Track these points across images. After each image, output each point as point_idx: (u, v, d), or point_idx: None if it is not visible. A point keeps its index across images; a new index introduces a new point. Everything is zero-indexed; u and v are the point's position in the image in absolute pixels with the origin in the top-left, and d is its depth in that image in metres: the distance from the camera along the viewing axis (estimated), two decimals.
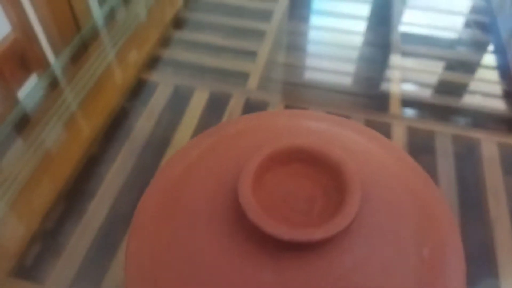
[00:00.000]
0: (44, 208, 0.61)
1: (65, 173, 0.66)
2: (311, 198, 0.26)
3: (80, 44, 0.88)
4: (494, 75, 0.89)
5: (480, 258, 0.61)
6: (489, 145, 0.73)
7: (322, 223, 0.24)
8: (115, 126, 0.74)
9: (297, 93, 0.84)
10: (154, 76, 0.83)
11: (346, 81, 0.88)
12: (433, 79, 0.87)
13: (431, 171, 0.69)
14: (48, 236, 0.59)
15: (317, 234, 0.23)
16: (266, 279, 0.24)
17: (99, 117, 0.74)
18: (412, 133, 0.74)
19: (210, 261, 0.26)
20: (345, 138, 0.33)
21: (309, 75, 0.90)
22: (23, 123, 0.73)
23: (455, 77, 0.88)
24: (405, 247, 0.26)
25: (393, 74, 0.86)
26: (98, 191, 0.64)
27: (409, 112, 0.78)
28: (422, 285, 0.25)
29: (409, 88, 0.85)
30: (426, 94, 0.84)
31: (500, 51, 0.94)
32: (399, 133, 0.74)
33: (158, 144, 0.71)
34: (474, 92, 0.85)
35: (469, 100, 0.84)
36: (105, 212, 0.61)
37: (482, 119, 0.81)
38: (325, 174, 0.27)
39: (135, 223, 0.30)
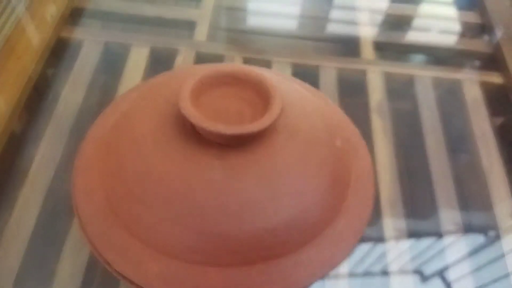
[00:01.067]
0: None
1: None
2: (240, 111, 0.30)
3: None
4: (465, 10, 0.83)
5: (476, 206, 0.56)
6: (471, 85, 0.66)
7: (253, 121, 0.28)
8: (36, 97, 0.59)
9: (255, 42, 0.72)
10: (78, 33, 0.67)
11: (309, 25, 0.77)
12: (404, 16, 0.78)
13: (414, 118, 0.62)
14: None
15: (250, 127, 0.27)
16: (213, 175, 0.28)
17: (14, 88, 0.58)
18: (390, 78, 0.66)
19: (161, 170, 0.29)
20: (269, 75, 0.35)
21: (267, 21, 0.77)
22: None
23: (427, 12, 0.80)
24: (321, 140, 0.32)
25: (360, 15, 0.76)
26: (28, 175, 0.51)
27: (384, 55, 0.69)
28: (340, 165, 0.33)
29: (380, 29, 0.75)
30: (399, 34, 0.75)
31: None
32: (375, 79, 0.65)
33: (92, 118, 0.57)
34: (446, 31, 0.78)
35: (446, 38, 0.77)
36: (40, 198, 0.49)
37: (462, 58, 0.74)
38: (248, 91, 0.31)
39: (77, 165, 0.33)
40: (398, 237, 0.51)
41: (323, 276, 0.30)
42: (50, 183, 0.50)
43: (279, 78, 0.38)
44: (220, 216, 0.28)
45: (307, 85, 0.42)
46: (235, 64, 0.32)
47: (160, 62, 0.65)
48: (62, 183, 0.50)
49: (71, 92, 0.59)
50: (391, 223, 0.51)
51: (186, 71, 0.40)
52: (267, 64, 0.65)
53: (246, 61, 0.65)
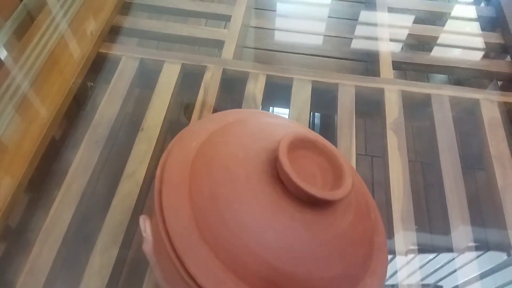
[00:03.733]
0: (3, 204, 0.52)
1: (21, 167, 0.56)
2: (313, 174, 0.35)
3: (24, 14, 0.75)
4: (488, 30, 0.84)
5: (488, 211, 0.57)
6: (489, 105, 0.68)
7: (333, 190, 0.34)
8: (76, 107, 0.65)
9: (278, 60, 0.75)
10: (116, 49, 0.73)
11: (331, 43, 0.80)
12: (425, 36, 0.80)
13: (430, 136, 0.64)
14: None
15: (334, 195, 0.33)
16: (293, 224, 0.33)
17: (56, 98, 0.64)
18: (407, 97, 0.68)
19: (251, 206, 0.33)
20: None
21: (290, 39, 0.81)
22: None
23: (449, 33, 0.81)
24: (364, 213, 0.39)
25: (380, 33, 0.79)
26: (65, 179, 0.56)
27: (402, 74, 0.72)
28: (374, 232, 0.40)
29: (399, 48, 0.78)
30: (418, 54, 0.77)
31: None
32: (392, 98, 0.68)
33: (126, 127, 0.62)
34: (469, 48, 0.79)
35: (465, 57, 0.78)
36: (72, 207, 0.53)
37: (482, 78, 0.75)
38: (322, 159, 0.36)
39: (165, 180, 0.36)
40: (408, 252, 0.53)
41: None
42: (85, 187, 0.55)
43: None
44: (293, 259, 0.33)
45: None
46: (316, 134, 0.39)
47: (190, 77, 0.70)
48: (95, 188, 0.55)
49: (108, 104, 0.64)
50: (402, 238, 0.53)
51: (262, 114, 0.45)
52: (289, 81, 0.68)
53: (269, 78, 0.68)
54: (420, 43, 0.80)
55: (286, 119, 0.48)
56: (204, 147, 0.38)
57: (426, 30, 0.82)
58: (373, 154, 0.65)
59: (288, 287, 0.32)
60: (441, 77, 0.79)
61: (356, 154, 0.60)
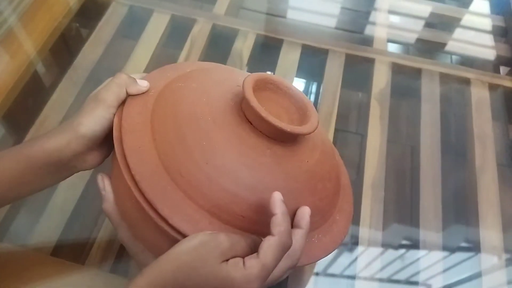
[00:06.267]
0: None
1: (1, 94, 0.56)
2: (278, 115, 0.35)
3: None
4: (487, 9, 0.81)
5: (461, 208, 0.56)
6: (480, 86, 0.66)
7: (303, 125, 0.35)
8: (58, 48, 0.64)
9: (272, 22, 0.74)
10: None
11: (326, 13, 0.78)
12: (424, 12, 0.78)
13: (415, 112, 0.63)
14: None
15: (303, 129, 0.34)
16: (264, 159, 0.34)
17: (42, 34, 0.63)
18: (397, 70, 0.66)
19: (221, 146, 0.33)
20: None
21: (285, 5, 0.79)
22: None
23: (447, 10, 0.79)
24: (329, 153, 0.40)
25: (380, 3, 0.77)
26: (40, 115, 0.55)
27: (395, 47, 0.70)
28: (339, 174, 0.40)
29: (397, 21, 0.76)
30: (415, 28, 0.75)
31: None
32: (382, 69, 0.66)
33: (105, 74, 0.61)
34: (466, 27, 0.77)
35: (461, 36, 0.76)
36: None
37: (474, 58, 0.73)
38: (286, 100, 0.37)
39: (124, 126, 0.34)
40: (371, 220, 0.52)
41: (328, 253, 0.36)
42: (58, 124, 0.55)
43: None
44: (266, 193, 0.32)
45: None
46: (279, 76, 0.38)
47: (177, 29, 0.68)
48: None
49: (91, 47, 0.63)
50: (369, 206, 0.53)
51: (219, 67, 0.45)
52: (279, 42, 0.67)
53: (258, 37, 0.67)
54: (422, 21, 0.78)
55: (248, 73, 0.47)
56: (164, 93, 0.37)
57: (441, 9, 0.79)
58: (353, 131, 0.64)
59: (261, 221, 0.32)
60: (434, 54, 0.77)
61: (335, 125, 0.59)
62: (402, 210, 0.56)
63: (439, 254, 0.51)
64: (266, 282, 0.30)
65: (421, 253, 0.51)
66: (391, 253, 0.51)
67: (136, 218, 0.33)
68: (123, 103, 0.36)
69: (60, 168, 0.35)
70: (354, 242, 0.51)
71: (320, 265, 0.50)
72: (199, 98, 0.36)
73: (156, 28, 0.67)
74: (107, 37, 0.65)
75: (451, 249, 0.52)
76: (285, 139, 0.35)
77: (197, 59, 0.63)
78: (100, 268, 0.44)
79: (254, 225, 0.33)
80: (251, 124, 0.34)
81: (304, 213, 0.33)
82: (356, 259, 0.50)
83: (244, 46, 0.66)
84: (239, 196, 0.32)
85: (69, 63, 0.61)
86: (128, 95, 0.36)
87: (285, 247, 0.30)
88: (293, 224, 0.33)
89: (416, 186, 0.56)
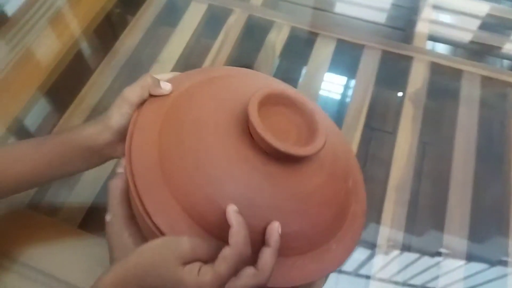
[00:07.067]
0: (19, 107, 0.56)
1: (46, 69, 0.60)
2: (287, 130, 0.35)
3: None
4: None
5: (493, 215, 0.54)
6: None
7: (302, 147, 0.34)
8: (100, 31, 0.67)
9: (306, 15, 0.73)
10: None
11: (366, 5, 0.76)
12: (471, 12, 0.74)
13: (451, 115, 0.60)
14: None
15: (300, 151, 0.33)
16: (256, 177, 0.34)
17: (88, 16, 0.66)
18: (436, 70, 0.64)
19: (215, 155, 0.34)
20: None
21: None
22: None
23: (497, 12, 0.74)
24: (339, 177, 0.39)
25: (424, 2, 0.74)
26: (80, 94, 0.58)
27: (436, 47, 0.67)
28: (349, 202, 0.39)
29: (440, 20, 0.72)
30: (459, 28, 0.71)
31: None
32: (420, 68, 0.64)
33: (143, 59, 0.63)
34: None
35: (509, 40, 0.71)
36: (81, 120, 0.57)
37: None
38: (298, 116, 0.36)
39: (138, 123, 0.37)
40: (392, 224, 0.51)
41: (310, 280, 0.35)
42: (95, 104, 0.58)
43: (318, 109, 0.44)
44: (252, 211, 0.33)
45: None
46: (292, 90, 0.38)
47: (214, 19, 0.69)
48: (104, 107, 0.58)
49: (130, 33, 0.66)
50: (391, 210, 0.51)
51: (246, 74, 0.45)
52: (314, 36, 0.66)
53: (293, 30, 0.67)
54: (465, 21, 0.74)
55: (279, 82, 0.46)
56: (181, 96, 0.39)
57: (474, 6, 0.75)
58: (383, 130, 0.62)
59: None
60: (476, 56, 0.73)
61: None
62: (427, 215, 0.54)
63: (461, 263, 0.49)
64: None
65: (444, 261, 0.49)
66: (409, 257, 0.50)
67: (134, 205, 0.35)
68: (145, 101, 0.39)
69: (94, 153, 0.40)
70: (372, 244, 0.50)
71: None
72: (208, 105, 0.37)
73: (193, 17, 0.68)
74: (147, 23, 0.67)
75: (475, 258, 0.50)
76: (282, 158, 0.34)
77: (230, 49, 0.64)
78: None
79: None
80: (252, 138, 0.34)
81: (273, 229, 0.32)
82: (372, 261, 0.49)
83: (277, 38, 0.65)
84: (221, 207, 0.32)
85: (109, 47, 0.64)
86: (150, 95, 0.39)
87: (241, 257, 0.30)
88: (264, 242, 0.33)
89: (444, 192, 0.54)
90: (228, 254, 0.30)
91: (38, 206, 0.49)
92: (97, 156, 0.40)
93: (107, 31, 0.69)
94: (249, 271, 0.31)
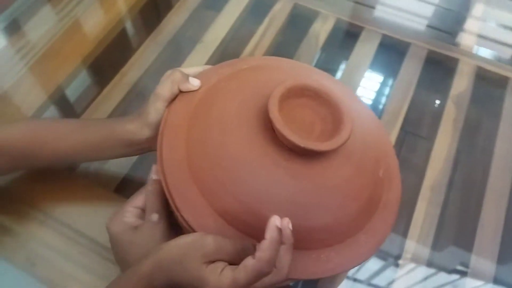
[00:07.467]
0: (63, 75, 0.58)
1: (92, 42, 0.62)
2: (312, 123, 0.35)
3: None
4: None
5: None
6: None
7: (323, 141, 0.33)
8: (147, 10, 0.68)
9: (356, 9, 0.72)
10: None
11: (417, 5, 0.74)
12: None
13: (494, 123, 0.58)
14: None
15: (321, 146, 0.33)
16: (279, 173, 0.34)
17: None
18: (481, 75, 0.62)
19: (238, 152, 0.35)
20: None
21: None
22: None
23: None
24: (368, 168, 0.38)
25: (475, 7, 0.72)
26: (122, 69, 0.60)
27: (483, 52, 0.65)
28: (379, 192, 0.38)
29: (489, 25, 0.70)
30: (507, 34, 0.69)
31: None
32: (465, 72, 0.62)
33: (186, 39, 0.64)
34: None
35: None
36: (123, 93, 0.58)
37: None
38: (324, 108, 0.36)
39: (168, 122, 0.38)
40: (423, 225, 0.50)
41: (336, 273, 0.36)
42: (137, 78, 0.59)
43: (347, 97, 0.42)
44: (272, 206, 0.34)
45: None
46: (319, 81, 0.37)
47: (259, 5, 0.69)
48: (146, 81, 0.59)
49: (176, 13, 0.67)
50: (423, 209, 0.51)
51: (276, 64, 0.44)
52: (359, 30, 0.65)
53: (338, 22, 0.66)
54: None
55: (311, 69, 0.46)
56: (208, 92, 0.39)
57: None
58: (422, 132, 0.61)
59: (264, 229, 0.32)
60: None
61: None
62: (456, 225, 0.52)
63: (484, 284, 0.48)
64: None
65: (467, 280, 0.48)
66: (430, 272, 0.48)
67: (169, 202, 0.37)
68: (176, 97, 0.40)
69: (134, 146, 0.42)
70: (395, 256, 0.49)
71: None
72: (232, 101, 0.37)
73: (238, 1, 0.68)
74: (193, 5, 0.68)
75: (500, 280, 0.48)
76: (304, 153, 0.34)
77: (273, 37, 0.64)
78: None
79: (257, 231, 0.33)
80: (274, 132, 0.34)
81: (284, 227, 0.32)
82: (388, 273, 0.48)
83: (322, 29, 0.65)
84: (243, 202, 0.34)
85: (154, 25, 0.65)
86: (180, 91, 0.40)
87: (261, 274, 0.31)
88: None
89: (478, 204, 0.52)
90: (250, 265, 0.30)
91: (77, 170, 0.51)
92: (137, 148, 0.43)
93: (152, 10, 0.70)
94: None
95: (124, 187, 0.50)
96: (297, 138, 0.32)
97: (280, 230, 0.31)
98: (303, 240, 0.34)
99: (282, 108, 0.34)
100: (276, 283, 0.32)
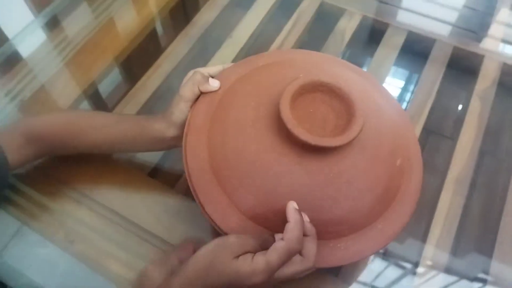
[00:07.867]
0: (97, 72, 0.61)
1: (125, 40, 0.65)
2: (325, 117, 0.37)
3: None
4: None
5: None
6: None
7: (335, 136, 0.35)
8: (177, 8, 0.70)
9: (378, 6, 0.73)
10: None
11: (443, 4, 0.75)
12: None
13: None
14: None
15: (332, 142, 0.35)
16: (294, 169, 0.36)
17: None
18: (507, 72, 0.62)
19: (254, 151, 0.37)
20: (344, 76, 0.43)
21: None
22: None
23: None
24: (384, 159, 0.38)
25: (502, 6, 0.72)
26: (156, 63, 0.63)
27: (510, 49, 0.65)
28: (397, 181, 0.39)
29: None
30: None
31: None
32: (490, 68, 0.62)
33: (216, 36, 0.66)
34: None
35: None
36: (156, 84, 0.60)
37: None
38: (337, 101, 0.37)
39: (191, 124, 0.41)
40: (447, 218, 0.50)
41: (353, 260, 0.37)
42: (169, 71, 0.61)
43: (367, 87, 0.43)
44: (288, 199, 0.35)
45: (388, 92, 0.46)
46: (328, 77, 0.38)
47: (287, 2, 0.71)
48: (178, 73, 0.61)
49: (207, 10, 0.69)
50: (448, 200, 0.51)
51: (292, 59, 0.45)
52: (384, 26, 0.67)
53: (364, 19, 0.67)
54: None
55: (331, 59, 0.47)
56: (227, 94, 0.41)
57: None
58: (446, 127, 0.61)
59: (283, 222, 0.35)
60: None
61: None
62: (475, 235, 0.52)
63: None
64: (276, 278, 0.34)
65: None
66: (449, 279, 0.48)
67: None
68: (199, 97, 0.42)
69: (162, 143, 0.45)
70: (414, 263, 0.49)
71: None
72: (248, 102, 0.39)
73: (265, 1, 0.70)
74: (223, 3, 0.70)
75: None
76: (316, 149, 0.35)
77: (299, 34, 0.66)
78: (186, 195, 0.50)
79: (277, 224, 0.35)
80: (289, 131, 0.35)
81: (305, 221, 0.35)
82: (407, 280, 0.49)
83: (347, 26, 0.67)
84: (262, 200, 0.36)
85: (186, 21, 0.67)
86: (201, 92, 0.42)
87: (292, 252, 0.33)
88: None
89: (499, 206, 0.52)
90: (280, 247, 0.33)
91: (113, 155, 0.54)
92: (165, 145, 0.46)
93: (182, 8, 0.73)
94: (296, 258, 0.34)
95: (157, 172, 0.53)
96: (308, 136, 0.34)
97: (299, 211, 0.34)
98: (320, 232, 0.36)
99: (295, 105, 0.36)
100: (305, 270, 0.35)
